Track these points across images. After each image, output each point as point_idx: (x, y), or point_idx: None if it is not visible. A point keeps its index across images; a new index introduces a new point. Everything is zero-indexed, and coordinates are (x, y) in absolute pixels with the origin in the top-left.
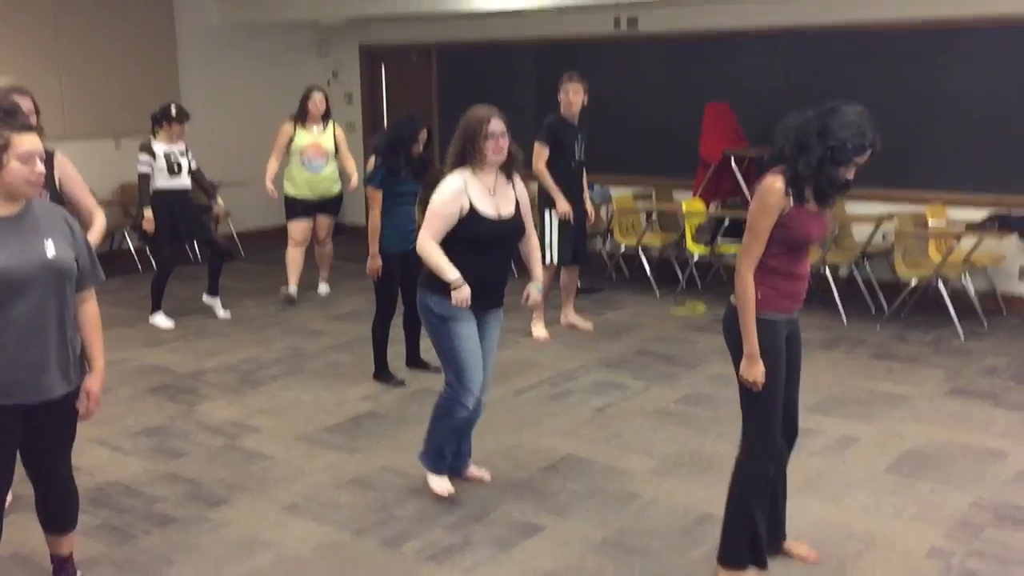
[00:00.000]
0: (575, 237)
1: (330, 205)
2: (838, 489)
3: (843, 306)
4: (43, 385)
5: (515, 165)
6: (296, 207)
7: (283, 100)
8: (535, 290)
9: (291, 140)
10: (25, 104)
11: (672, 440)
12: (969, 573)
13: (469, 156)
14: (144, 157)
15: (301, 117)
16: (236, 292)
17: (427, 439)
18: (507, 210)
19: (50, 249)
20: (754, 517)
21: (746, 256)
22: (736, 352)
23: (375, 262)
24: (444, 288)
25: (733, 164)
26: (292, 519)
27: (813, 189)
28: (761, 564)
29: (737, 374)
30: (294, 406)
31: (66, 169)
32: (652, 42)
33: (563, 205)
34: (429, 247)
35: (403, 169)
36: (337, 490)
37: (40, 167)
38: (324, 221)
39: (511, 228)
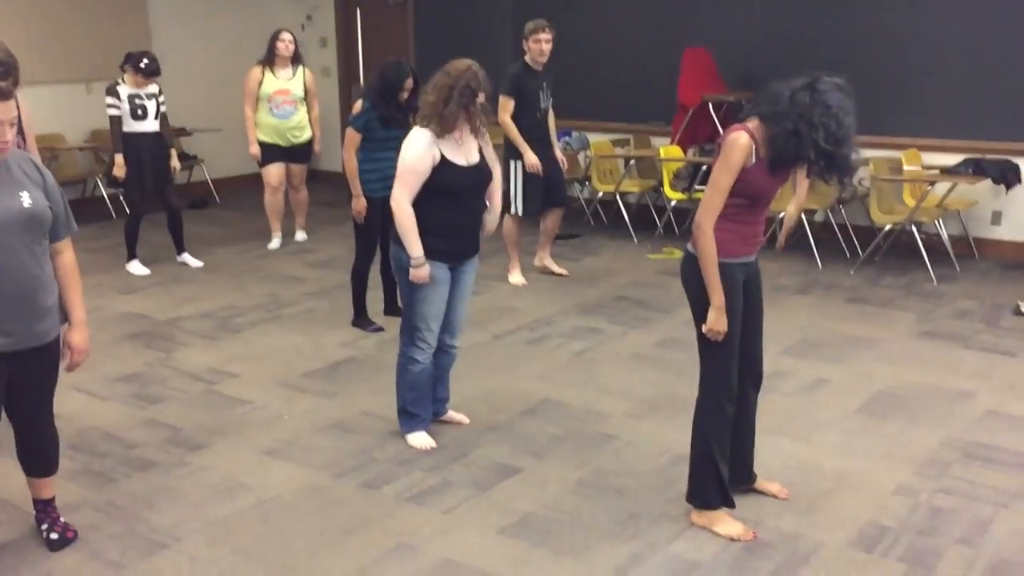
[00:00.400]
0: (547, 185)
1: (301, 152)
2: (809, 429)
3: (818, 251)
4: (28, 332)
5: (478, 120)
6: (267, 152)
7: (256, 44)
8: (489, 219)
9: (259, 85)
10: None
11: (648, 383)
12: (936, 509)
13: (449, 116)
14: (110, 100)
15: (269, 61)
16: (212, 239)
17: (398, 402)
18: (474, 158)
19: (26, 199)
20: (715, 457)
21: (706, 209)
22: (694, 300)
23: (359, 203)
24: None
25: (711, 110)
26: (272, 463)
27: (814, 165)
28: (728, 503)
29: (695, 319)
30: (272, 352)
31: (24, 111)
32: None
33: (531, 158)
34: (404, 211)
35: (393, 116)
36: (317, 434)
37: (8, 134)
38: (296, 169)
39: (480, 174)
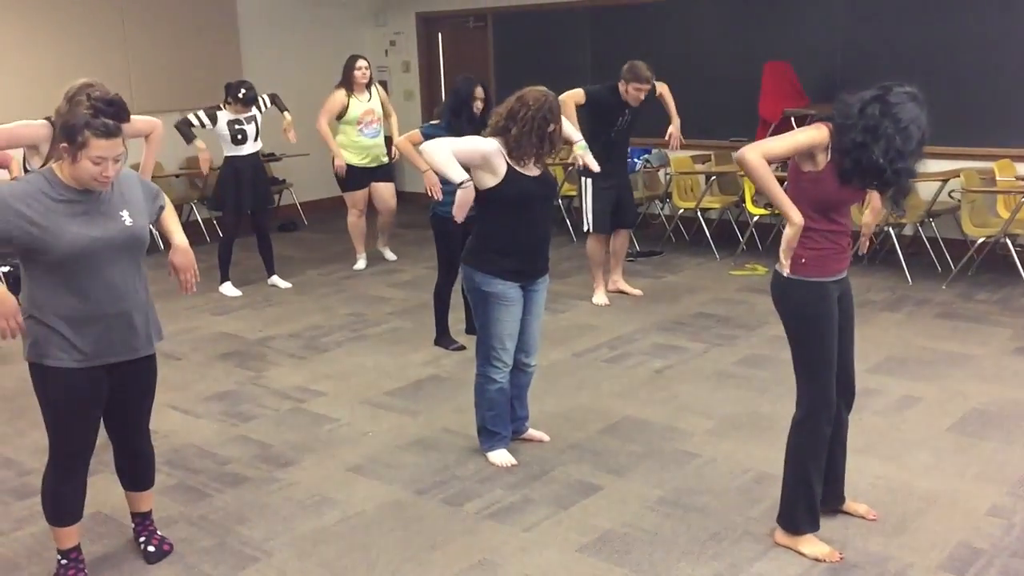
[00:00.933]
0: (615, 204)
1: (387, 170)
2: (899, 448)
3: (908, 266)
4: (129, 345)
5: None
6: (354, 176)
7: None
8: (580, 149)
9: (345, 109)
10: (113, 151)
11: (730, 401)
12: None
13: (543, 149)
14: (202, 116)
15: (347, 86)
16: (299, 261)
17: (479, 422)
18: (535, 170)
19: (127, 219)
20: (811, 480)
21: (762, 143)
22: (786, 316)
23: (429, 177)
24: (491, 266)
25: (793, 124)
26: (357, 479)
27: (873, 179)
28: (814, 528)
29: (789, 337)
30: (357, 371)
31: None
32: (709, 2)
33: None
34: (439, 146)
35: (465, 130)
36: (400, 451)
37: (109, 171)
38: (386, 186)
39: (546, 186)
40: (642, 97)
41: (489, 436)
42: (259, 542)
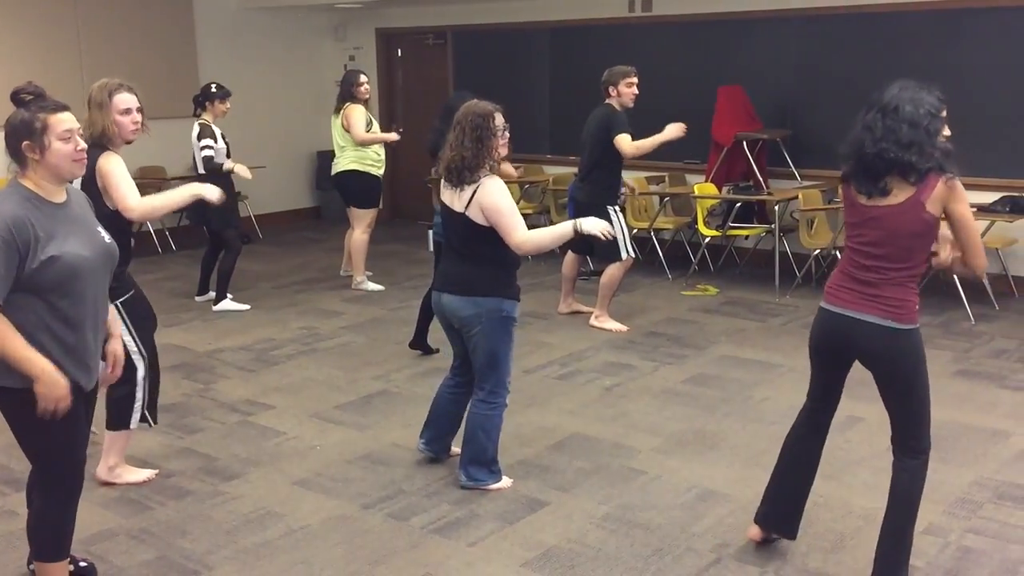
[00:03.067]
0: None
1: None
2: (840, 467)
3: None
4: (96, 369)
5: (508, 155)
6: (377, 188)
7: (301, 84)
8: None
9: (370, 122)
10: (132, 101)
11: (678, 419)
12: (966, 549)
13: (484, 157)
14: (208, 141)
15: (357, 101)
16: (253, 275)
17: (483, 455)
18: None
19: (105, 234)
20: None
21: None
22: (907, 365)
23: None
24: (513, 292)
25: (745, 147)
26: (303, 493)
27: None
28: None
29: (899, 385)
30: (307, 384)
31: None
32: (666, 25)
33: (674, 131)
34: (535, 236)
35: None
36: (347, 465)
37: (81, 143)
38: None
39: None
40: (636, 92)
41: (496, 465)
42: (201, 555)
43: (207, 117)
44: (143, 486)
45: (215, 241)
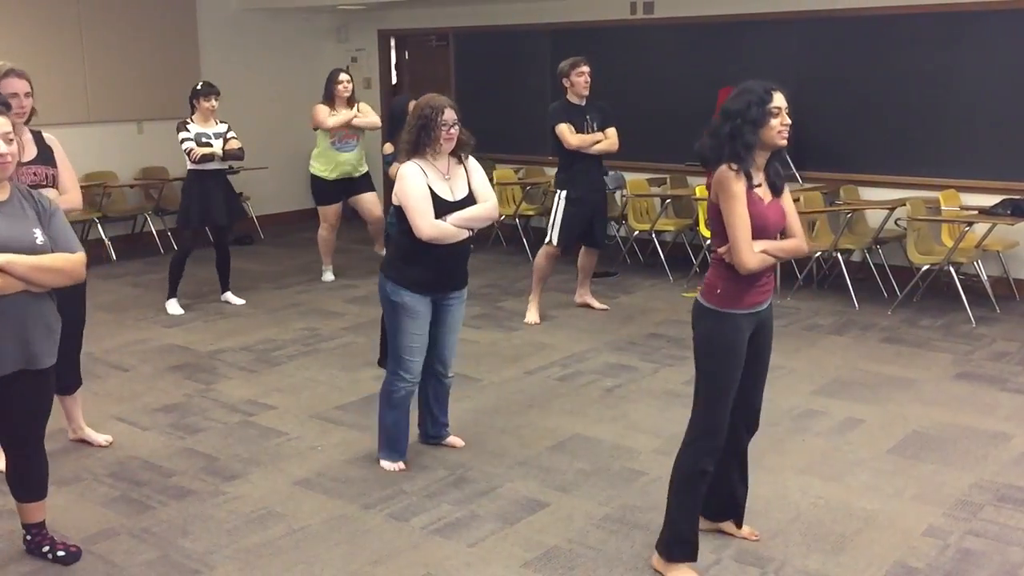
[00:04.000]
0: (590, 221)
1: (366, 181)
2: (840, 469)
3: (855, 291)
4: (21, 355)
5: (466, 150)
6: (327, 189)
7: (302, 85)
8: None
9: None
10: (20, 86)
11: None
12: (965, 551)
13: (424, 142)
14: (183, 134)
15: (329, 101)
16: (254, 275)
17: (378, 427)
18: (461, 192)
19: (38, 236)
20: (686, 508)
21: (741, 246)
22: (695, 341)
23: None
24: (400, 277)
25: None
26: (304, 493)
27: (743, 160)
28: (690, 558)
29: (697, 362)
30: (308, 385)
31: (59, 152)
32: (668, 27)
33: (601, 144)
34: (440, 225)
35: None
36: (348, 466)
37: (12, 148)
38: (368, 196)
39: (467, 206)
40: (587, 79)
41: (388, 447)
42: (202, 555)
43: (197, 117)
44: (144, 486)
45: (214, 240)
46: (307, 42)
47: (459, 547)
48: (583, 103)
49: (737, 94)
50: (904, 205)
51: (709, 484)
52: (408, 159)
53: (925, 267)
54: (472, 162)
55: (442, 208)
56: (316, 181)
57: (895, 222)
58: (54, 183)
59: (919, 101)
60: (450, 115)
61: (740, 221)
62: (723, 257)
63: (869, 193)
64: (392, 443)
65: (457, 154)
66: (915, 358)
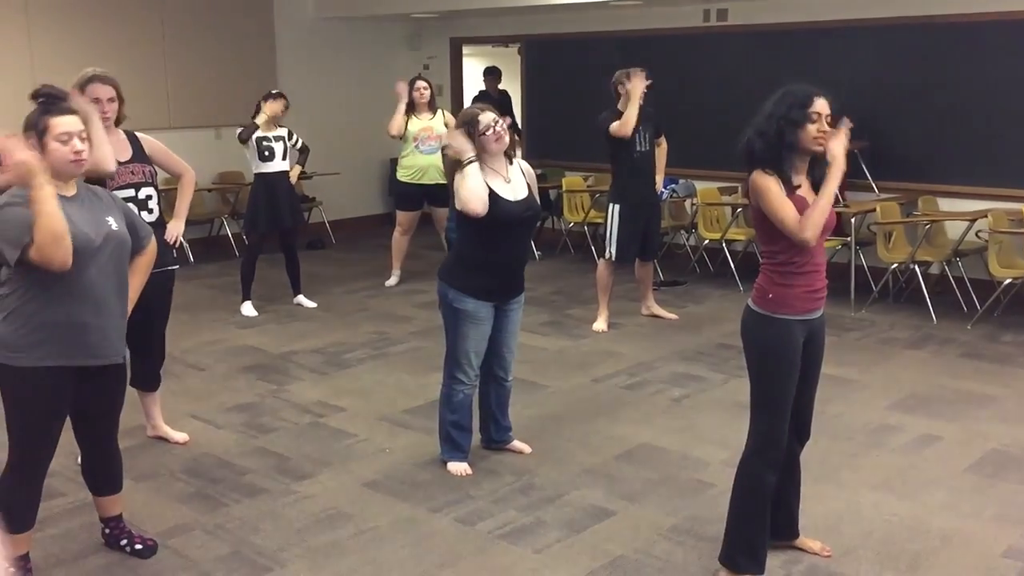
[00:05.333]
0: (644, 232)
1: (444, 194)
2: (916, 486)
3: (933, 304)
4: (104, 349)
5: (512, 148)
6: (407, 195)
7: (375, 92)
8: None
9: (405, 127)
10: (104, 92)
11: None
12: None
13: (478, 149)
14: (247, 144)
15: (409, 106)
16: (326, 279)
17: (439, 430)
18: (521, 194)
19: (112, 223)
20: (751, 518)
21: (792, 224)
22: (747, 348)
23: None
24: (463, 284)
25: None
26: (372, 494)
27: (784, 160)
28: (756, 570)
29: (750, 373)
30: (377, 388)
31: (151, 143)
32: (741, 34)
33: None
34: (463, 185)
35: None
36: (416, 469)
37: (79, 146)
38: (442, 213)
39: (529, 208)
40: (645, 86)
41: (450, 446)
42: (273, 552)
43: (261, 120)
44: (218, 483)
45: (282, 244)
46: (380, 50)
47: (525, 553)
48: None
49: (780, 96)
50: (985, 216)
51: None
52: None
53: (1007, 281)
54: (523, 163)
55: (505, 208)
56: (399, 185)
57: (976, 234)
58: (152, 179)
59: (1001, 110)
60: (486, 119)
61: (782, 203)
62: (775, 258)
63: (948, 204)
64: (456, 444)
65: (508, 154)
66: (995, 375)
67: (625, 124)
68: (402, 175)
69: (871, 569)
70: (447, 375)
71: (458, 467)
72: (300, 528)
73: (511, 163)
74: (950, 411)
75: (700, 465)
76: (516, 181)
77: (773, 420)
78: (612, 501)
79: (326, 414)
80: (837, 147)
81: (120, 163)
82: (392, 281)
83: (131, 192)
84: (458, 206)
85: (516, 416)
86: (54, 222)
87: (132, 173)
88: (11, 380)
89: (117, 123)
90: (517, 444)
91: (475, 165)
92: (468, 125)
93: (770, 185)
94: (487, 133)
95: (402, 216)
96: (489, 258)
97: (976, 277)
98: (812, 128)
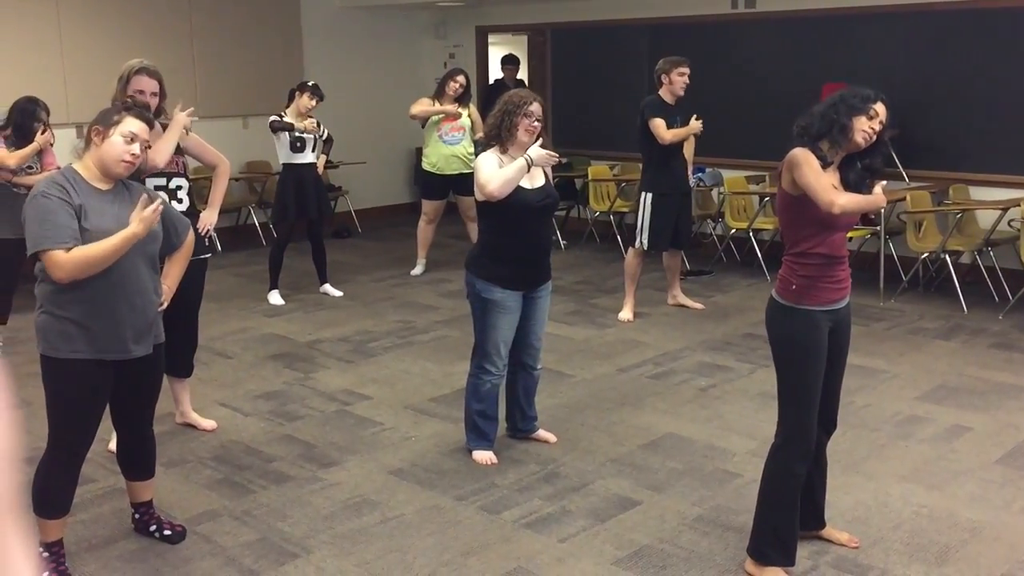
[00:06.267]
0: (675, 221)
1: (469, 183)
2: (945, 477)
3: (964, 294)
4: (139, 343)
5: (537, 143)
6: (432, 184)
7: (401, 81)
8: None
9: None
10: (149, 84)
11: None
12: None
13: (504, 131)
14: (278, 135)
15: (438, 96)
16: (352, 267)
17: (464, 419)
18: (539, 182)
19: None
20: (781, 510)
21: (825, 194)
22: (773, 341)
23: None
24: (490, 274)
25: None
26: (398, 482)
27: (835, 141)
28: (786, 562)
29: (775, 362)
30: (403, 377)
31: (185, 136)
32: (769, 21)
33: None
34: (498, 174)
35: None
36: (441, 457)
37: (137, 150)
38: (468, 201)
39: (546, 197)
40: (687, 81)
41: (477, 434)
42: (300, 539)
43: (291, 112)
44: (246, 470)
45: (309, 233)
46: (406, 38)
47: (550, 542)
48: (674, 104)
49: (850, 88)
50: (1018, 205)
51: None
52: (485, 150)
53: None
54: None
55: (524, 197)
56: (425, 175)
57: (1008, 223)
58: (184, 170)
59: None
60: (536, 108)
61: (819, 174)
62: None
63: (980, 193)
64: (482, 433)
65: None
66: None
67: (667, 135)
68: (427, 165)
69: (899, 560)
70: (475, 365)
71: (483, 455)
72: (326, 515)
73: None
74: (980, 402)
75: (726, 455)
76: (533, 170)
77: (801, 411)
78: (637, 491)
79: (352, 402)
80: (879, 192)
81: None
82: (418, 270)
83: (162, 181)
84: (476, 195)
85: (541, 405)
86: (99, 258)
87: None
88: (51, 371)
89: (156, 116)
90: (542, 433)
91: (490, 154)
92: (515, 103)
93: (811, 159)
94: (526, 119)
95: (428, 205)
96: (511, 246)
97: (1008, 267)
98: (865, 121)
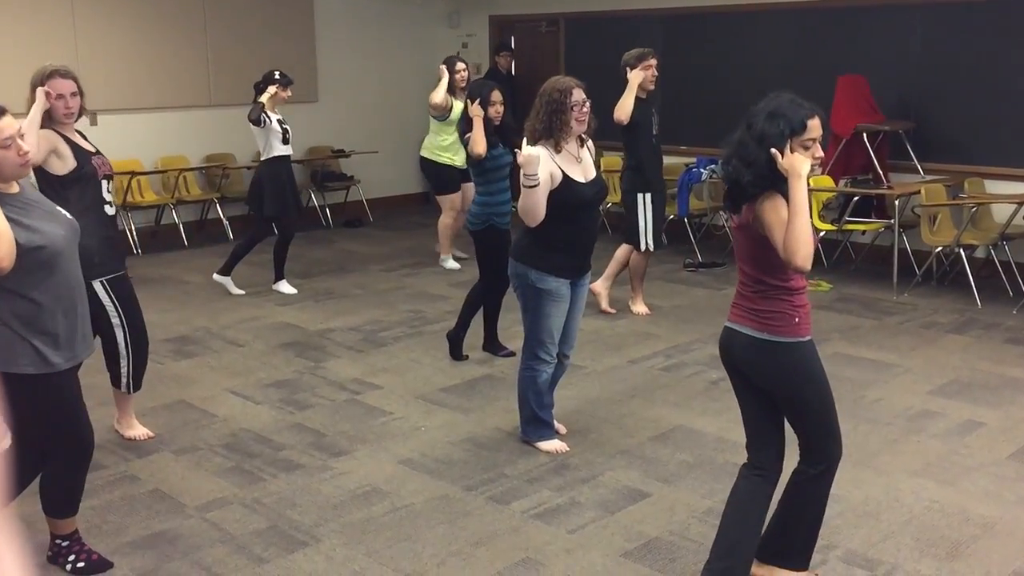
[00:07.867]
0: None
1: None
2: (957, 473)
3: (978, 288)
4: (87, 345)
5: (588, 130)
6: (452, 177)
7: (414, 71)
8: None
9: (449, 110)
10: (66, 86)
11: None
12: None
13: (556, 128)
14: (260, 127)
15: (449, 88)
16: (363, 257)
17: (521, 413)
18: (591, 174)
19: (63, 210)
20: (816, 523)
21: (803, 246)
22: (786, 380)
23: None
24: (545, 264)
25: (866, 139)
26: (407, 472)
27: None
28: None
29: (790, 401)
30: (413, 366)
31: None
32: (784, 11)
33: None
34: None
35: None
36: (451, 447)
37: (23, 145)
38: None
39: (599, 189)
40: (655, 74)
41: (540, 426)
42: (309, 527)
43: (266, 100)
44: (256, 458)
45: (277, 228)
46: (419, 28)
47: (559, 533)
48: (646, 97)
49: (769, 115)
50: None
51: (766, 516)
52: (534, 144)
53: None
54: (588, 142)
55: (579, 190)
56: (443, 169)
57: (1023, 217)
58: (111, 171)
59: None
60: (579, 95)
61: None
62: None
63: (995, 186)
64: (544, 423)
65: (581, 135)
66: None
67: (621, 109)
68: (445, 159)
69: (909, 556)
70: (528, 356)
71: (552, 445)
72: (336, 504)
73: (582, 145)
74: (994, 397)
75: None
76: (586, 162)
77: (836, 434)
78: (647, 483)
79: (362, 391)
80: (801, 164)
81: (92, 154)
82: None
83: (106, 184)
84: (520, 206)
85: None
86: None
87: (104, 164)
88: (19, 389)
89: (77, 119)
90: (553, 424)
91: (543, 153)
92: (558, 95)
93: (783, 215)
94: (574, 109)
95: (449, 200)
96: (566, 236)
97: (1023, 261)
98: (807, 155)
